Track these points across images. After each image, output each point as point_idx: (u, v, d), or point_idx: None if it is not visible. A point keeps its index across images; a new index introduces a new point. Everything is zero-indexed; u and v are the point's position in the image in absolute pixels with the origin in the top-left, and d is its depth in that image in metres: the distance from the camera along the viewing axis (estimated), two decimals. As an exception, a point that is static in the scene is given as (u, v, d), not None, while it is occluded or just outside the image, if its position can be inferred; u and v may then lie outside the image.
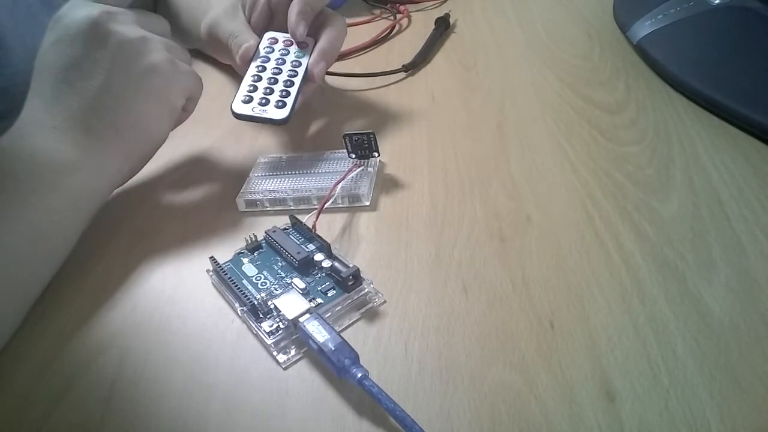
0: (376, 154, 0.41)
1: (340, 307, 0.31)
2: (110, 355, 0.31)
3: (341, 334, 0.29)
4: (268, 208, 0.40)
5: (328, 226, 0.38)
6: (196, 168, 0.46)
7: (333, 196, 0.38)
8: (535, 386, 0.27)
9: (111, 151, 0.38)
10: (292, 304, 0.30)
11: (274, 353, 0.30)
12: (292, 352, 0.30)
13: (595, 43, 0.58)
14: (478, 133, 0.46)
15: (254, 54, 0.46)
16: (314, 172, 0.42)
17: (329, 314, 0.31)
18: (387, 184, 0.41)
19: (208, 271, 0.35)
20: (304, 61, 0.46)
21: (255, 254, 0.36)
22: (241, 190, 0.41)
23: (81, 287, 0.36)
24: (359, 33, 0.66)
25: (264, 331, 0.30)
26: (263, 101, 0.43)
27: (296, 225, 0.37)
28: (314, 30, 0.47)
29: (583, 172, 0.40)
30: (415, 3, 0.74)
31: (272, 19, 0.49)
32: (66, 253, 0.36)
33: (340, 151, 0.43)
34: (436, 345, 0.29)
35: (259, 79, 0.45)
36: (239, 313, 0.32)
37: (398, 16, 0.71)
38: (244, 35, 0.47)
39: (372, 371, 0.27)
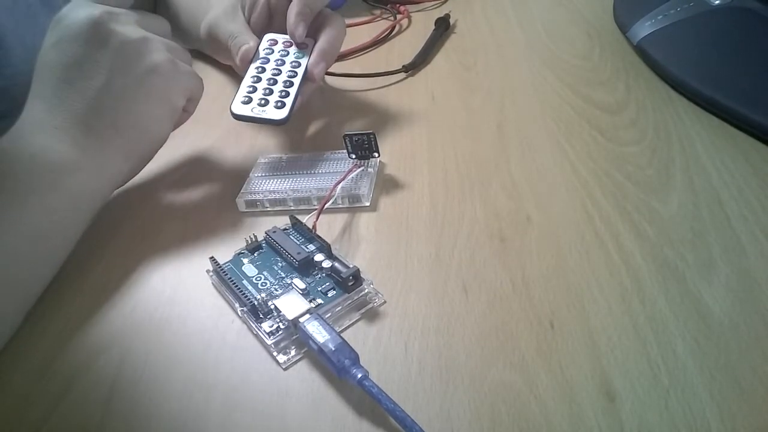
0: (376, 155, 0.41)
1: (340, 308, 0.31)
2: (110, 355, 0.31)
3: (341, 334, 0.29)
4: (268, 209, 0.40)
5: (328, 227, 0.38)
6: (196, 168, 0.46)
7: (333, 196, 0.38)
8: (535, 386, 0.27)
9: (111, 151, 0.38)
10: (292, 304, 0.30)
11: (274, 353, 0.30)
12: (292, 352, 0.30)
13: (595, 43, 0.58)
14: (478, 133, 0.46)
15: (254, 55, 0.46)
16: (314, 173, 0.42)
17: (329, 314, 0.31)
18: (387, 184, 0.41)
19: (208, 271, 0.35)
20: (304, 61, 0.46)
21: (255, 254, 0.36)
22: (241, 191, 0.41)
23: (81, 287, 0.36)
24: (359, 33, 0.66)
25: (264, 331, 0.30)
26: (262, 102, 0.43)
27: (296, 225, 0.37)
28: (313, 31, 0.47)
29: (583, 172, 0.40)
30: (415, 3, 0.74)
31: (271, 20, 0.49)
32: (66, 253, 0.36)
33: (340, 151, 0.43)
34: (436, 345, 0.29)
35: (259, 80, 0.45)
36: (239, 313, 0.32)
37: (398, 16, 0.71)
38: (243, 36, 0.47)
39: (372, 371, 0.27)
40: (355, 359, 0.27)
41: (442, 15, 0.66)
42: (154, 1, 0.64)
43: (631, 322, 0.29)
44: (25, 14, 0.49)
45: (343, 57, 0.61)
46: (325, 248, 0.34)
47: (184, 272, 0.36)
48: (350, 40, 0.60)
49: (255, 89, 0.44)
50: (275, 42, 0.47)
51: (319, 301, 0.32)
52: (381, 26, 0.68)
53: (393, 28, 0.67)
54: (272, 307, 0.31)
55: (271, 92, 0.44)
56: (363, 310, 0.32)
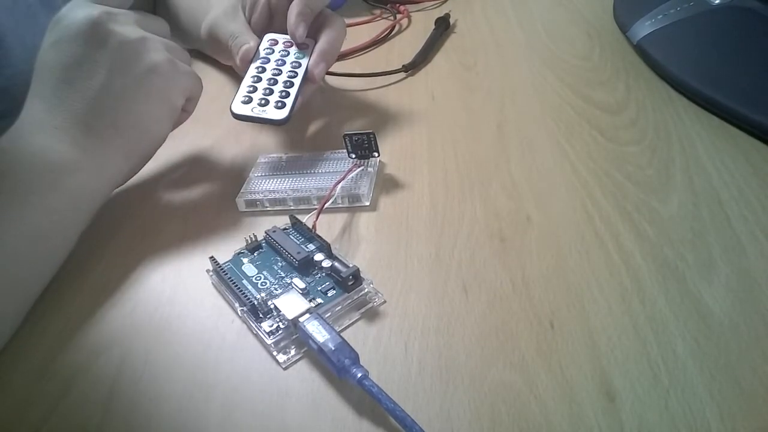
0: (376, 154, 0.41)
1: (340, 307, 0.31)
2: (110, 355, 0.31)
3: (341, 334, 0.29)
4: (268, 208, 0.40)
5: (328, 226, 0.38)
6: (196, 168, 0.46)
7: (333, 196, 0.38)
8: (535, 386, 0.27)
9: (111, 150, 0.38)
10: (292, 304, 0.30)
11: (274, 353, 0.30)
12: (292, 352, 0.30)
13: (595, 43, 0.58)
14: (478, 133, 0.46)
15: (254, 55, 0.46)
16: (314, 172, 0.42)
17: (329, 314, 0.31)
18: (387, 184, 0.41)
19: (208, 271, 0.35)
20: (304, 62, 0.46)
21: (255, 254, 0.36)
22: (241, 190, 0.41)
23: (81, 287, 0.36)
24: (359, 33, 0.66)
25: (264, 331, 0.30)
26: (263, 102, 0.43)
27: (296, 225, 0.37)
28: (314, 31, 0.47)
29: (583, 172, 0.40)
30: (415, 3, 0.74)
31: (272, 20, 0.49)
32: (66, 253, 0.36)
33: (340, 151, 0.43)
34: (436, 345, 0.29)
35: (259, 79, 0.45)
36: (239, 313, 0.32)
37: (398, 16, 0.71)
38: (244, 36, 0.47)
39: (372, 371, 0.27)
40: (355, 359, 0.27)
41: (442, 15, 0.66)
42: (153, 1, 0.64)
43: (631, 322, 0.29)
44: (25, 14, 0.50)
45: (343, 57, 0.61)
46: (325, 248, 0.34)
47: (184, 272, 0.36)
48: (350, 40, 0.60)
49: (255, 89, 0.44)
50: (276, 42, 0.47)
51: (319, 300, 0.32)
52: (381, 26, 0.68)
53: (393, 27, 0.67)
54: (272, 306, 0.31)
55: (272, 92, 0.44)
56: (363, 310, 0.32)
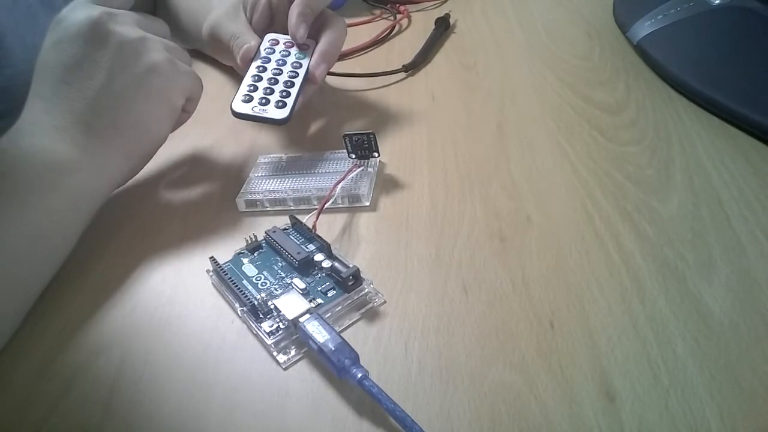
0: (376, 155, 0.41)
1: (340, 308, 0.31)
2: (110, 355, 0.31)
3: (341, 334, 0.29)
4: (268, 209, 0.40)
5: (328, 227, 0.38)
6: (196, 168, 0.46)
7: (333, 196, 0.38)
8: (535, 386, 0.27)
9: (111, 151, 0.38)
10: (292, 304, 0.30)
11: (274, 353, 0.30)
12: (292, 352, 0.30)
13: (595, 43, 0.58)
14: (478, 133, 0.46)
15: (255, 54, 0.46)
16: (314, 173, 0.42)
17: (329, 314, 0.31)
18: (387, 184, 0.41)
19: (208, 271, 0.35)
20: (305, 62, 0.46)
21: (255, 254, 0.36)
22: (241, 191, 0.41)
23: (81, 287, 0.36)
24: (359, 33, 0.66)
25: (264, 331, 0.30)
26: (263, 101, 0.43)
27: (296, 225, 0.37)
28: (314, 31, 0.47)
29: (583, 172, 0.40)
30: (415, 3, 0.74)
31: (273, 20, 0.49)
32: (66, 253, 0.36)
33: (340, 151, 0.43)
34: (436, 345, 0.29)
35: (260, 79, 0.45)
36: (239, 313, 0.32)
37: (398, 16, 0.71)
38: (245, 36, 0.47)
39: (372, 371, 0.27)
40: (355, 359, 0.27)
41: (442, 15, 0.66)
42: (153, 2, 0.64)
43: (631, 322, 0.29)
44: (25, 14, 0.50)
45: (343, 57, 0.61)
46: (325, 248, 0.34)
47: (184, 272, 0.36)
48: (350, 40, 0.60)
49: (256, 88, 0.44)
50: (277, 42, 0.47)
51: (319, 300, 0.32)
52: (381, 26, 0.68)
53: (393, 27, 0.67)
54: (272, 306, 0.31)
55: (272, 92, 0.44)
56: (363, 310, 0.32)
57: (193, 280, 0.35)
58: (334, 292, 0.32)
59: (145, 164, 0.42)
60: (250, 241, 0.36)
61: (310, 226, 0.36)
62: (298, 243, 0.35)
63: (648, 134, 0.43)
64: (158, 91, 0.39)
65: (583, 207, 0.37)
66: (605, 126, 0.45)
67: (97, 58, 0.37)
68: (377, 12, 0.73)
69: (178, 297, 0.34)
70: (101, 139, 0.37)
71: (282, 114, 0.43)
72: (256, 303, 0.31)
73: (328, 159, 0.43)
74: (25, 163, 0.34)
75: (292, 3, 0.46)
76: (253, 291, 0.33)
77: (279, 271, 0.34)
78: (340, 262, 0.33)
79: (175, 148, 0.47)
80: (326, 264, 0.33)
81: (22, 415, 0.29)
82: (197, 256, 0.37)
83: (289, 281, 0.33)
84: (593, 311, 0.30)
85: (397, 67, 0.57)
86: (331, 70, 0.53)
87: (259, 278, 0.34)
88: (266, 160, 0.45)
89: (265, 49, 0.46)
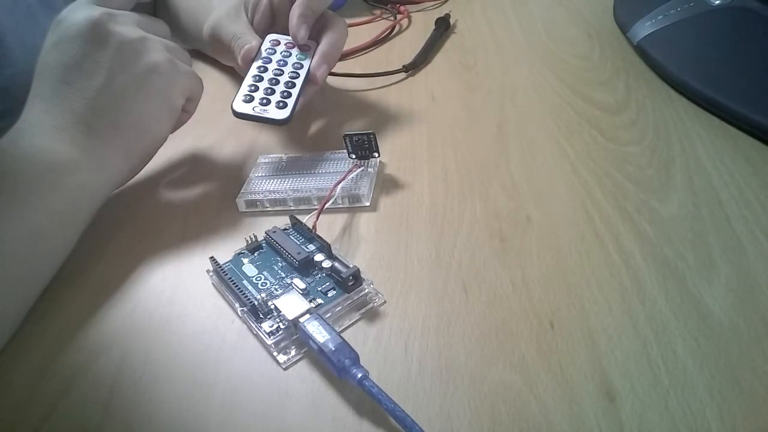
0: (376, 155, 0.41)
1: (340, 308, 0.31)
2: (110, 355, 0.31)
3: (341, 334, 0.29)
4: (269, 209, 0.40)
5: (328, 227, 0.38)
6: (196, 168, 0.46)
7: (333, 196, 0.38)
8: (535, 386, 0.27)
9: (111, 151, 0.38)
10: (292, 304, 0.30)
11: (275, 353, 0.30)
12: (292, 352, 0.30)
13: (595, 43, 0.58)
14: (478, 133, 0.46)
15: (256, 55, 0.46)
16: (314, 173, 0.42)
17: (329, 314, 0.31)
18: (387, 184, 0.41)
19: (208, 271, 0.35)
20: (306, 63, 0.46)
21: (255, 254, 0.36)
22: (242, 191, 0.41)
23: (81, 287, 0.36)
24: (359, 33, 0.66)
25: (264, 331, 0.30)
26: (264, 101, 0.43)
27: (296, 225, 0.37)
28: (315, 32, 0.47)
29: (583, 172, 0.40)
30: (415, 3, 0.74)
31: (274, 21, 0.49)
32: (66, 253, 0.36)
33: (341, 151, 0.43)
34: (436, 345, 0.29)
35: (261, 79, 0.45)
36: (239, 313, 0.32)
37: (398, 16, 0.71)
38: (246, 37, 0.47)
39: (372, 371, 0.27)
40: (355, 359, 0.27)
41: (442, 15, 0.66)
42: (153, 3, 0.64)
43: (631, 322, 0.29)
44: (25, 14, 0.50)
45: (343, 57, 0.61)
46: (325, 248, 0.34)
47: (184, 272, 0.36)
48: (350, 40, 0.60)
49: (257, 88, 0.44)
50: (278, 42, 0.47)
51: (319, 301, 0.32)
52: (381, 26, 0.68)
53: (393, 28, 0.67)
54: (272, 307, 0.31)
55: (273, 92, 0.44)
56: (363, 310, 0.32)
57: (193, 280, 0.35)
58: (334, 292, 0.32)
59: (146, 164, 0.42)
60: (250, 241, 0.36)
61: (311, 227, 0.36)
62: (299, 243, 0.35)
63: (648, 134, 0.43)
64: (158, 91, 0.39)
65: (583, 207, 0.37)
66: (605, 126, 0.45)
67: (98, 58, 0.37)
68: (377, 12, 0.73)
69: (178, 297, 0.34)
70: (101, 139, 0.37)
71: (283, 114, 0.43)
72: (256, 303, 0.31)
73: (329, 159, 0.43)
74: (25, 163, 0.34)
75: (293, 4, 0.46)
76: (254, 291, 0.33)
77: (279, 271, 0.34)
78: (340, 262, 0.33)
79: (175, 148, 0.47)
80: (326, 264, 0.33)
81: (22, 415, 0.29)
82: (197, 256, 0.37)
83: (289, 281, 0.33)
84: (593, 311, 0.30)
85: (398, 67, 0.57)
86: (331, 71, 0.53)
87: (259, 278, 0.34)
88: (266, 160, 0.45)
89: (266, 50, 0.46)
